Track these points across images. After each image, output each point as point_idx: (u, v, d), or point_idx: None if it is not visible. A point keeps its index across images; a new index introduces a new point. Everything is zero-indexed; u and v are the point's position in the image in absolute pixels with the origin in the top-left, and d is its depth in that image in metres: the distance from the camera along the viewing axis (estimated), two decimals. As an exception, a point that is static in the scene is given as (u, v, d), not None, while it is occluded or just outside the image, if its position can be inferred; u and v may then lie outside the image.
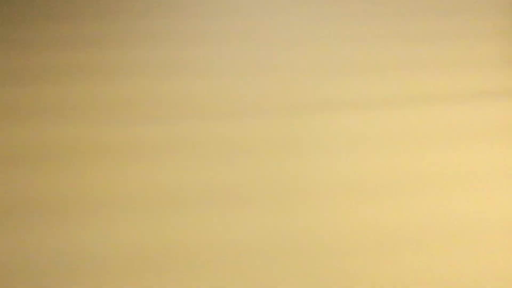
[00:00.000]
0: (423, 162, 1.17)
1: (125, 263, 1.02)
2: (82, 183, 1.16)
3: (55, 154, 1.21)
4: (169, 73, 1.43)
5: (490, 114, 1.26)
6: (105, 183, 1.16)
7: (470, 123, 1.25)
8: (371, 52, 1.45)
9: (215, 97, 1.34)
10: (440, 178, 1.13)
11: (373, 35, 1.50)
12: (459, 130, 1.23)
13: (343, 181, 1.15)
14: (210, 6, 1.62)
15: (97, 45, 1.51)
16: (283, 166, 1.19)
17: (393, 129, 1.25)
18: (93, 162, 1.20)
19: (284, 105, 1.30)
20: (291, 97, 1.32)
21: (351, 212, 1.10)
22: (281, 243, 1.05)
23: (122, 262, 1.02)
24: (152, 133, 1.26)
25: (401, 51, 1.46)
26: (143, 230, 1.08)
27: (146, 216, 1.11)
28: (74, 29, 1.55)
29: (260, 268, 1.03)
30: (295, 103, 1.30)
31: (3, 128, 1.26)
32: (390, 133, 1.23)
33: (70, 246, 1.05)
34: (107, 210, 1.10)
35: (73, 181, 1.16)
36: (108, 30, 1.56)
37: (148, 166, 1.19)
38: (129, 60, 1.47)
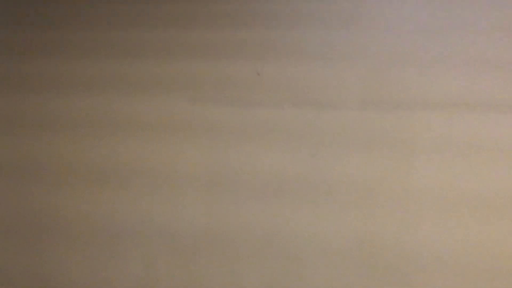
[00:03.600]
0: None
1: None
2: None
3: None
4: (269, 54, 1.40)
5: None
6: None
7: None
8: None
9: (316, 84, 1.31)
10: None
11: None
12: None
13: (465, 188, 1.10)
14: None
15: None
16: (394, 165, 1.14)
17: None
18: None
19: (398, 100, 1.22)
20: (405, 93, 1.23)
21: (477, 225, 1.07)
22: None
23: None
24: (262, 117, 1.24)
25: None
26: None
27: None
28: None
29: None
30: (406, 98, 1.21)
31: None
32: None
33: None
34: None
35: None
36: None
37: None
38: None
